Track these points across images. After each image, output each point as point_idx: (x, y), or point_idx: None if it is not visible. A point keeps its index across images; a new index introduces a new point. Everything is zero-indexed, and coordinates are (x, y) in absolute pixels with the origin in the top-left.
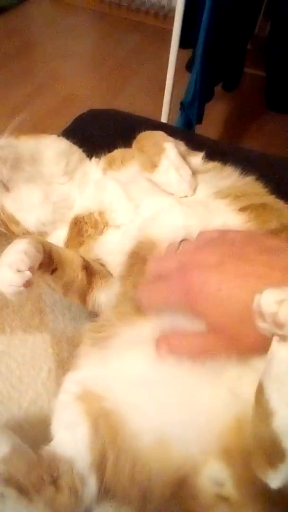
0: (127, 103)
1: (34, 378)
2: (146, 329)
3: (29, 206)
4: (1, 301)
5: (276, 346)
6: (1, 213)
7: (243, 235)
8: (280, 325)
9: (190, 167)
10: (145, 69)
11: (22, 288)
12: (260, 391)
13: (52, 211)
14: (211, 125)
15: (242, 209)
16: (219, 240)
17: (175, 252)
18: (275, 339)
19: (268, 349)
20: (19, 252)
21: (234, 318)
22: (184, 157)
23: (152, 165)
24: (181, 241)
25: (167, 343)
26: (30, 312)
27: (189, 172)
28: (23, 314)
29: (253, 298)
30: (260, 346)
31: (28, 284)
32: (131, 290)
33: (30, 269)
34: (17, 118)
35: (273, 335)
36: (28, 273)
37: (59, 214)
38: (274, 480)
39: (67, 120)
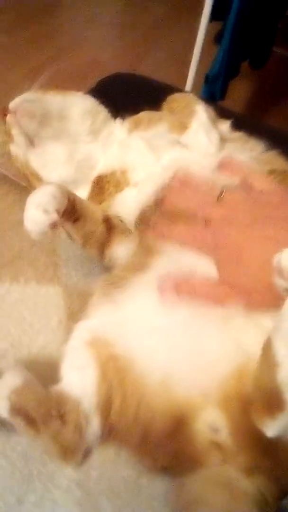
0: (151, 72)
1: (45, 326)
2: (156, 273)
3: (53, 163)
4: (16, 252)
5: None
6: (25, 168)
7: (279, 199)
8: None
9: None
10: (171, 40)
11: (47, 228)
12: (268, 345)
13: (75, 169)
14: (234, 102)
15: (269, 172)
16: (258, 199)
17: (216, 199)
18: None
19: (274, 309)
20: (47, 194)
21: (249, 274)
22: (213, 122)
23: (182, 127)
24: (223, 188)
25: (175, 289)
26: (44, 264)
27: (218, 136)
28: (37, 266)
29: (270, 259)
30: (267, 304)
31: (53, 225)
32: (146, 240)
33: (57, 211)
34: (44, 74)
35: None
36: (54, 214)
37: (82, 173)
38: (271, 429)
39: (89, 85)
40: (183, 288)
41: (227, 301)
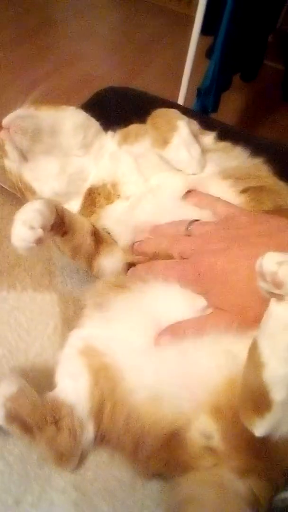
0: (145, 86)
1: (41, 333)
2: (143, 293)
3: (45, 177)
4: (13, 260)
5: (273, 305)
6: (19, 182)
7: (247, 218)
8: (278, 284)
9: (201, 146)
10: (164, 55)
11: (33, 244)
12: (254, 346)
13: (67, 182)
14: (227, 114)
15: (242, 191)
16: (227, 224)
17: (185, 233)
18: (272, 299)
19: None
20: (33, 211)
21: (238, 293)
22: (195, 136)
23: (164, 142)
24: (191, 222)
25: (169, 334)
26: (41, 272)
27: (199, 150)
28: (34, 274)
29: (253, 275)
30: (251, 322)
31: (39, 241)
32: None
33: (42, 227)
34: (38, 89)
35: (271, 295)
36: (40, 230)
37: (74, 186)
38: (260, 429)
39: (83, 99)
40: (178, 333)
41: (220, 327)
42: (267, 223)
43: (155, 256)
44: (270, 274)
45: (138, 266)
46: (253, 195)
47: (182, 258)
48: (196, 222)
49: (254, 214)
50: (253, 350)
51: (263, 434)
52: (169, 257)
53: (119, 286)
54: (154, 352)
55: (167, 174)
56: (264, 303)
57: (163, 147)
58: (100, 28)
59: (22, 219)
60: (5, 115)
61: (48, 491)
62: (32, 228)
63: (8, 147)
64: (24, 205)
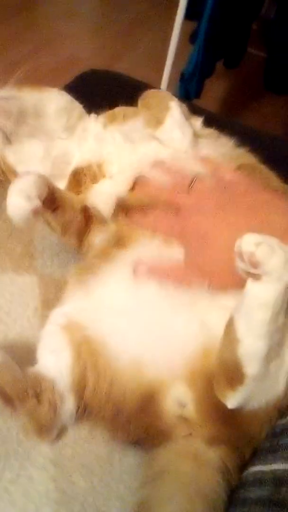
0: (127, 70)
1: (20, 315)
2: (126, 259)
3: (29, 160)
4: None
5: (250, 285)
6: (2, 164)
7: (246, 187)
8: (255, 264)
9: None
10: (147, 38)
11: (30, 214)
12: (230, 323)
13: (52, 165)
14: (209, 101)
15: (237, 168)
16: (226, 186)
17: (187, 187)
18: (249, 278)
19: (235, 290)
20: (29, 181)
21: (213, 258)
22: (186, 118)
23: (157, 122)
24: (194, 177)
25: (145, 265)
26: (21, 255)
27: (191, 131)
28: (14, 256)
29: (231, 244)
30: (228, 285)
31: (35, 212)
32: (117, 229)
33: (39, 198)
34: (20, 70)
35: (249, 275)
36: (37, 200)
37: (58, 169)
38: (232, 401)
39: (66, 81)
40: (154, 271)
41: (192, 282)
42: (262, 199)
43: (151, 198)
44: (248, 254)
45: (132, 212)
46: (246, 172)
47: (175, 211)
48: (199, 179)
49: (256, 186)
50: (230, 326)
51: (235, 406)
52: (163, 206)
53: (103, 253)
54: (135, 314)
55: (157, 146)
56: (233, 273)
57: (157, 127)
58: (83, 9)
59: (18, 188)
60: None
61: (27, 468)
62: (29, 197)
63: None
64: (19, 176)
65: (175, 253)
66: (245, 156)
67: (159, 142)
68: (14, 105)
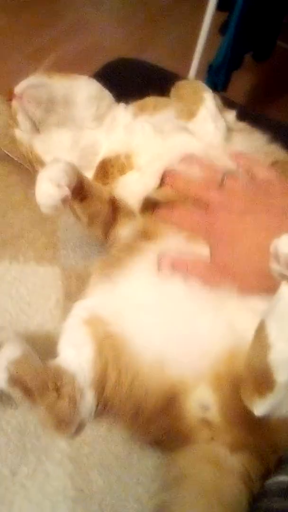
0: (154, 59)
1: (42, 306)
2: (151, 254)
3: (57, 149)
4: (17, 231)
5: (285, 288)
6: (29, 153)
7: (281, 188)
8: None
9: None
10: (175, 29)
11: (59, 202)
12: (261, 326)
13: (79, 156)
14: (236, 93)
15: (272, 164)
16: (260, 187)
17: (218, 184)
18: (284, 281)
19: (263, 294)
20: (60, 170)
21: (240, 259)
22: (220, 111)
23: (190, 113)
24: (226, 173)
25: (170, 259)
26: (44, 245)
27: (225, 124)
28: (37, 246)
29: (261, 246)
30: (255, 288)
31: (65, 200)
32: (146, 223)
33: (68, 187)
34: (49, 57)
35: (284, 278)
36: (66, 189)
37: (86, 160)
38: (260, 408)
39: (91, 69)
40: (178, 265)
41: (217, 281)
42: None
43: (180, 193)
44: (285, 256)
45: (161, 207)
46: (282, 168)
47: (205, 207)
48: (231, 175)
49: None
50: (260, 330)
51: (263, 414)
52: (192, 202)
53: (128, 247)
54: (161, 312)
55: (189, 138)
56: (261, 276)
57: (189, 119)
58: None
59: (49, 176)
60: (11, 81)
61: (44, 463)
62: (59, 185)
63: (20, 117)
64: (48, 164)
65: (201, 250)
66: (278, 152)
67: (191, 134)
68: (44, 93)
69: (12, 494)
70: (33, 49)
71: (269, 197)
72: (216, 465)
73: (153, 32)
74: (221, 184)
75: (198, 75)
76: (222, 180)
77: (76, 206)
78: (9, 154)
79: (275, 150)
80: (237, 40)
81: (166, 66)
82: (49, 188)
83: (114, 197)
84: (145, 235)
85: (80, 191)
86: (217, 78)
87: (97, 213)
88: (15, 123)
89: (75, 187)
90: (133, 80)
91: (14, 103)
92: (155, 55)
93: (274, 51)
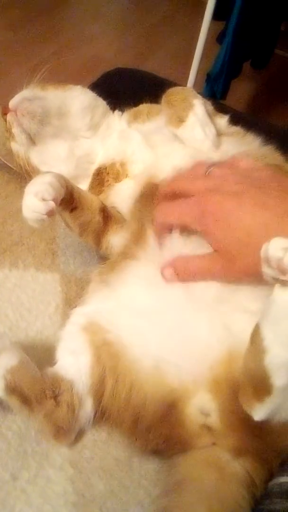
0: (153, 70)
1: (42, 312)
2: (149, 262)
3: (53, 160)
4: (17, 238)
5: (277, 291)
6: (26, 165)
7: (270, 173)
8: (284, 270)
9: (216, 127)
10: (174, 39)
11: (44, 216)
12: (256, 330)
13: (75, 166)
14: (236, 102)
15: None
16: (247, 172)
17: (204, 174)
18: (277, 285)
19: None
20: (45, 183)
21: (238, 240)
22: (210, 116)
23: (179, 120)
24: (211, 165)
25: (172, 267)
26: (43, 252)
27: (214, 131)
28: (37, 253)
29: (259, 224)
30: (254, 270)
31: (50, 213)
32: (139, 228)
33: (54, 200)
34: (44, 69)
35: (276, 281)
36: (52, 202)
37: (82, 169)
38: (259, 412)
39: (90, 81)
40: (183, 274)
41: (217, 270)
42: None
43: (168, 191)
44: (276, 260)
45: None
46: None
47: (195, 195)
48: (216, 164)
49: (278, 173)
50: (256, 334)
51: (262, 418)
52: (181, 194)
53: (125, 253)
54: (158, 318)
55: (179, 147)
56: (258, 257)
57: (178, 126)
58: (109, 9)
59: (34, 190)
60: (12, 96)
61: (45, 468)
62: (43, 199)
63: (16, 131)
64: (35, 177)
65: (200, 246)
66: (271, 155)
67: (181, 144)
68: (38, 106)
69: (13, 499)
70: (34, 63)
71: (260, 181)
72: (218, 469)
73: (152, 43)
74: (207, 173)
75: (196, 84)
76: (208, 169)
77: (67, 216)
78: (7, 163)
79: (267, 152)
80: (235, 48)
81: (166, 76)
82: (34, 203)
83: (104, 206)
84: (139, 241)
85: (70, 202)
86: (216, 86)
87: (88, 222)
88: (11, 136)
89: (64, 198)
90: (130, 89)
91: (9, 116)
92: (155, 66)
93: (272, 58)
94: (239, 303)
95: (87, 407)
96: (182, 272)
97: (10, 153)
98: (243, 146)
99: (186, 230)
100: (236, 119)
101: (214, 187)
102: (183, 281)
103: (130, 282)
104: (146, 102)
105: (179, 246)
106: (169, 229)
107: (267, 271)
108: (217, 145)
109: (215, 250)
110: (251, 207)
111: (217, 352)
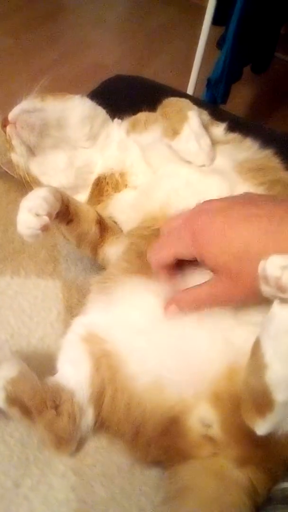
0: (154, 76)
1: (43, 319)
2: (150, 282)
3: (53, 171)
4: (18, 246)
5: (277, 307)
6: (26, 176)
7: (263, 198)
8: (282, 289)
9: (211, 137)
10: (174, 45)
11: (39, 231)
12: (257, 346)
13: (75, 176)
14: (236, 106)
15: (260, 184)
16: (241, 197)
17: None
18: (276, 300)
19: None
20: (39, 198)
21: (235, 256)
22: (206, 127)
23: (174, 132)
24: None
25: (173, 303)
26: (45, 259)
27: (209, 142)
28: (38, 261)
29: (254, 234)
30: (251, 285)
31: (45, 228)
32: (137, 246)
33: (48, 214)
34: (43, 79)
35: (275, 298)
36: (45, 217)
37: (81, 179)
38: (261, 428)
39: (91, 88)
40: (178, 298)
41: (220, 294)
42: (272, 196)
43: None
44: (274, 278)
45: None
46: (269, 188)
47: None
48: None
49: (273, 198)
50: (256, 350)
51: (265, 433)
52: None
53: (126, 268)
54: (156, 334)
55: (177, 167)
56: (256, 272)
57: (173, 138)
58: (110, 16)
59: (27, 206)
60: (14, 103)
61: (47, 475)
62: (37, 215)
63: (15, 142)
64: (30, 192)
65: (202, 279)
66: (268, 159)
67: (176, 163)
68: (37, 118)
69: (15, 506)
70: (35, 70)
71: (242, 197)
72: (220, 477)
73: (152, 49)
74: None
75: (197, 89)
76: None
77: (63, 228)
78: (8, 171)
79: (264, 157)
80: (235, 53)
81: (166, 82)
82: (27, 218)
83: (101, 217)
84: (136, 255)
85: (65, 215)
86: (217, 91)
87: (85, 234)
88: (11, 147)
89: (60, 211)
90: (131, 96)
91: (8, 128)
92: (155, 71)
93: (272, 62)
94: (240, 316)
95: (88, 417)
96: (185, 305)
97: (10, 162)
98: (241, 152)
99: (184, 265)
100: (235, 125)
101: (198, 209)
102: (190, 313)
103: (127, 297)
104: (146, 109)
105: (181, 281)
106: (168, 269)
107: (265, 289)
108: (211, 157)
109: (215, 272)
110: (239, 219)
111: (218, 366)
